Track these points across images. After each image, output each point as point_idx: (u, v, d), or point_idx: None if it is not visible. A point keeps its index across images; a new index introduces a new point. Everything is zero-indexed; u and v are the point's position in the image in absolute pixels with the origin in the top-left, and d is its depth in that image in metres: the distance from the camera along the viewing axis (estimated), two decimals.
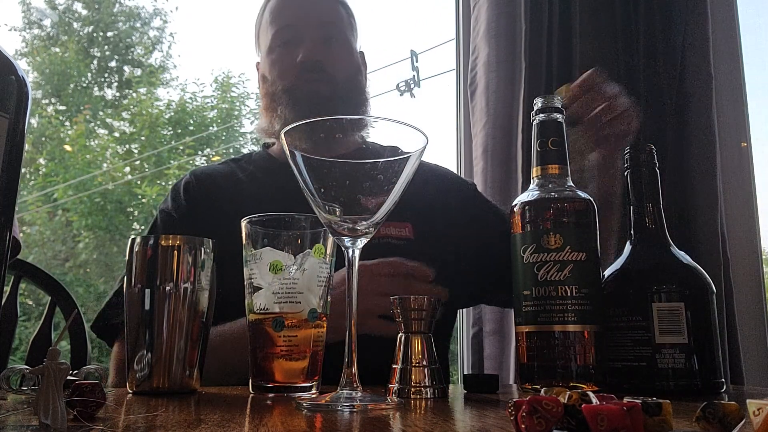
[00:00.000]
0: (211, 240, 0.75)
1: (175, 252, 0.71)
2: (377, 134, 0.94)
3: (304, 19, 1.19)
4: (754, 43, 1.78)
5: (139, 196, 5.37)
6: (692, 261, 0.76)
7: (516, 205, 0.75)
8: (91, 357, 1.32)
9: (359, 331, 0.60)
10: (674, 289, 0.72)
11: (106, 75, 6.52)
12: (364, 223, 0.59)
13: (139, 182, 5.54)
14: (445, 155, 1.94)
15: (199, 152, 6.05)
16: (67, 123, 5.94)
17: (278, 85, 1.18)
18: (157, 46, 6.71)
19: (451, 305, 1.17)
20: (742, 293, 1.58)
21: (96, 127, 6.00)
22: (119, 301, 1.03)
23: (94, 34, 6.48)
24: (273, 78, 1.19)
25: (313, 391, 0.71)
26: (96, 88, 6.44)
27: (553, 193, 0.72)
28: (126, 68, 6.57)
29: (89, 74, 6.37)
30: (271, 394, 0.69)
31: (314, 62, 1.15)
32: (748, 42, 1.75)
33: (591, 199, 0.73)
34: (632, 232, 0.79)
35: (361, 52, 1.31)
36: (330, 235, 0.65)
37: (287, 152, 0.59)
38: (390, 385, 0.69)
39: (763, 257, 1.67)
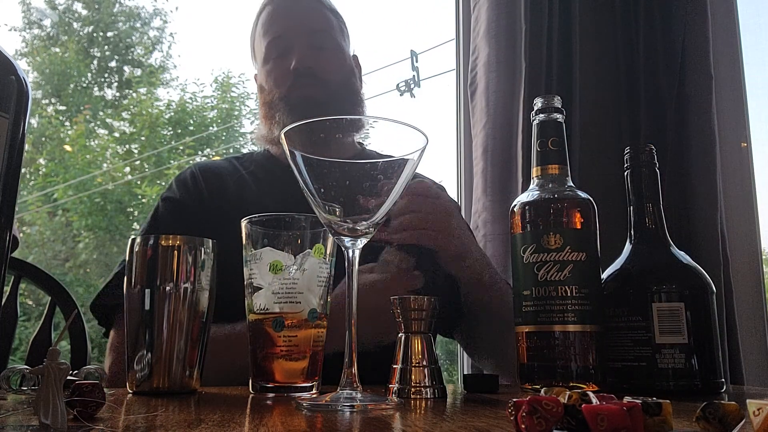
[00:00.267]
0: (211, 240, 0.75)
1: (175, 252, 0.71)
2: (377, 138, 0.95)
3: (295, 28, 1.23)
4: (754, 43, 1.78)
5: (139, 196, 5.37)
6: (692, 261, 0.76)
7: (516, 205, 0.75)
8: (91, 357, 1.32)
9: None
10: (674, 289, 0.72)
11: (106, 75, 6.52)
12: (364, 223, 0.59)
13: (139, 182, 5.54)
14: (445, 155, 1.94)
15: (199, 152, 6.04)
16: (67, 123, 5.94)
17: (275, 94, 1.21)
18: (157, 46, 6.71)
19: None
20: (742, 293, 1.58)
21: (96, 127, 6.00)
22: (119, 284, 1.04)
23: (94, 34, 6.48)
24: (269, 87, 1.23)
25: (313, 391, 0.71)
26: (96, 88, 6.44)
27: (553, 194, 0.72)
28: (126, 68, 6.57)
29: (89, 74, 6.37)
30: (271, 394, 0.69)
31: (306, 69, 1.18)
32: (748, 42, 1.75)
33: (591, 199, 0.74)
34: (632, 232, 0.79)
35: (355, 56, 1.33)
36: (330, 235, 0.65)
37: (287, 153, 0.59)
38: (390, 385, 0.69)
39: (763, 257, 1.67)
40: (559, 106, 0.76)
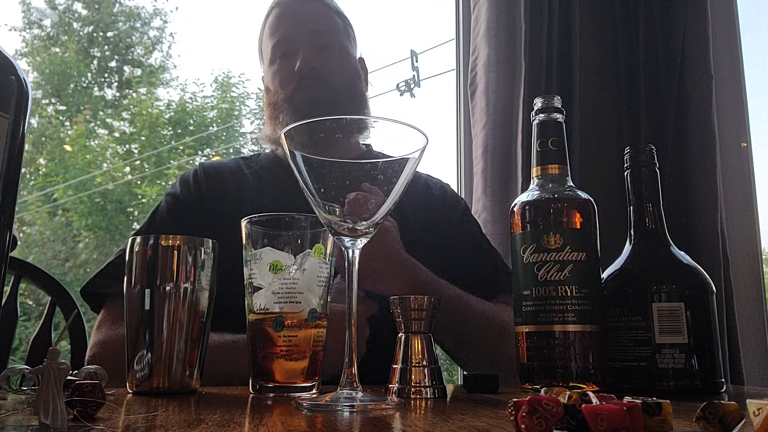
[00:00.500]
0: (211, 240, 0.75)
1: (175, 252, 0.71)
2: (377, 138, 0.95)
3: (300, 30, 1.24)
4: (754, 43, 1.78)
5: (139, 196, 5.37)
6: (692, 261, 0.76)
7: (516, 205, 0.75)
8: None
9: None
10: (674, 289, 0.72)
11: (106, 75, 6.52)
12: (364, 223, 0.59)
13: (139, 182, 5.54)
14: (445, 155, 1.94)
15: (199, 152, 6.04)
16: (67, 123, 5.94)
17: (280, 95, 1.23)
18: (157, 46, 6.70)
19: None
20: (742, 293, 1.58)
21: (96, 127, 6.00)
22: (112, 273, 1.07)
23: (94, 34, 6.47)
24: (275, 88, 1.25)
25: (313, 391, 0.71)
26: (96, 88, 6.43)
27: (553, 193, 0.72)
28: (126, 68, 6.57)
29: (89, 74, 6.37)
30: (271, 394, 0.69)
31: (310, 69, 1.20)
32: (748, 42, 1.75)
33: (591, 199, 0.73)
34: (632, 232, 0.79)
35: (361, 58, 1.34)
36: (330, 235, 0.65)
37: (287, 153, 0.59)
38: (390, 385, 0.69)
39: (763, 257, 1.67)
40: (559, 106, 0.76)
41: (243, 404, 0.59)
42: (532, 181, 0.77)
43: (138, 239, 0.73)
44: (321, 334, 0.73)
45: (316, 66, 1.20)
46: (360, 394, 0.57)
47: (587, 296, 0.69)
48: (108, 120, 6.15)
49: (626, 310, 0.73)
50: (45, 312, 1.32)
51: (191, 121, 6.14)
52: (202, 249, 0.73)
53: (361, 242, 0.61)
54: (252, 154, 1.37)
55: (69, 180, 5.28)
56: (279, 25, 1.26)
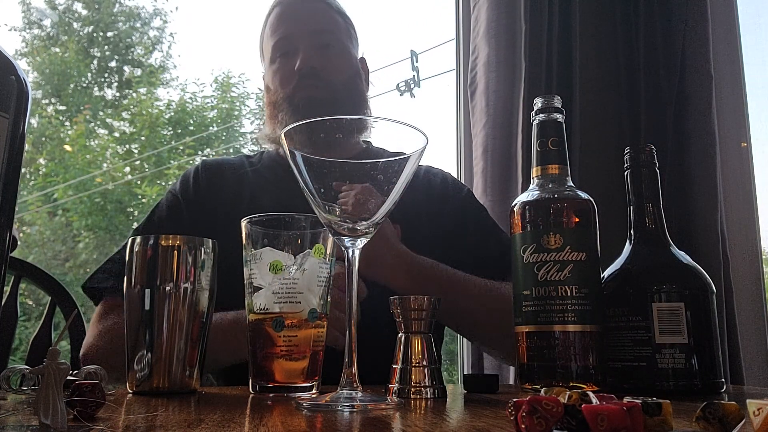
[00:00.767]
0: (211, 240, 0.75)
1: (175, 252, 0.71)
2: (382, 137, 0.95)
3: (301, 29, 1.24)
4: (754, 43, 1.78)
5: (139, 196, 5.36)
6: (692, 261, 0.76)
7: (516, 205, 0.75)
8: None
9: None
10: (674, 289, 0.72)
11: (106, 75, 6.51)
12: (364, 223, 0.59)
13: (139, 182, 5.53)
14: (445, 155, 1.94)
15: (199, 152, 6.04)
16: (67, 123, 5.94)
17: (280, 94, 1.23)
18: (157, 46, 6.70)
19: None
20: (742, 293, 1.58)
21: (96, 127, 6.00)
22: (111, 268, 1.09)
23: (94, 34, 6.47)
24: (275, 87, 1.25)
25: (313, 391, 0.71)
26: (96, 88, 6.43)
27: (553, 193, 0.72)
28: (126, 68, 6.57)
29: (89, 74, 6.37)
30: (271, 394, 0.69)
31: (310, 69, 1.20)
32: (748, 42, 1.75)
33: (591, 199, 0.73)
34: (632, 232, 0.79)
35: (362, 59, 1.34)
36: (330, 235, 0.65)
37: (287, 152, 0.59)
38: (390, 385, 0.69)
39: (763, 257, 1.67)
40: (559, 106, 0.76)
41: (243, 404, 0.59)
42: (532, 181, 0.77)
43: (138, 239, 0.73)
44: (321, 334, 0.73)
45: (317, 65, 1.20)
46: (360, 394, 0.57)
47: (587, 296, 0.69)
48: (108, 120, 6.15)
49: (626, 310, 0.73)
50: (45, 312, 1.32)
51: (191, 121, 6.14)
52: (202, 249, 0.73)
53: (361, 242, 0.61)
54: (257, 152, 1.38)
55: (69, 180, 5.28)
56: (280, 24, 1.26)
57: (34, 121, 5.67)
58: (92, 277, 1.12)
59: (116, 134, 6.02)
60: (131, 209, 5.40)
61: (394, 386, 0.68)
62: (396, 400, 0.60)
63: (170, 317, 0.70)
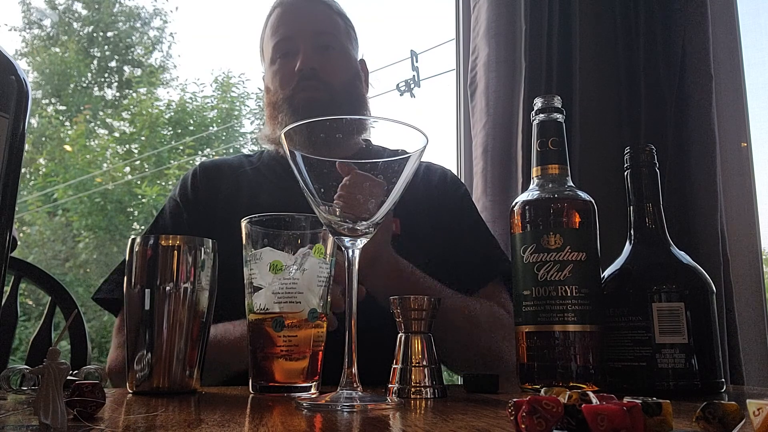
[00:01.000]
0: (211, 240, 0.75)
1: (175, 252, 0.71)
2: (382, 136, 0.95)
3: (301, 30, 1.24)
4: (754, 43, 1.78)
5: (139, 196, 5.37)
6: (692, 261, 0.76)
7: (516, 205, 0.75)
8: (91, 357, 1.32)
9: None
10: (674, 289, 0.72)
11: (106, 75, 6.52)
12: (364, 223, 0.59)
13: (139, 182, 5.54)
14: (445, 155, 1.94)
15: (199, 152, 6.04)
16: (67, 123, 5.94)
17: (279, 95, 1.23)
18: (157, 46, 6.71)
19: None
20: (742, 293, 1.58)
21: (96, 127, 6.00)
22: (119, 279, 1.08)
23: (94, 34, 6.48)
24: (275, 88, 1.25)
25: (313, 391, 0.71)
26: (96, 88, 6.44)
27: (553, 193, 0.72)
28: (126, 68, 6.57)
29: (89, 74, 6.37)
30: (271, 394, 0.69)
31: (310, 70, 1.20)
32: (748, 42, 1.75)
33: (591, 199, 0.73)
34: (632, 232, 0.79)
35: (362, 61, 1.34)
36: (330, 235, 0.65)
37: (287, 153, 0.59)
38: (390, 385, 0.69)
39: (763, 257, 1.67)
40: (559, 106, 0.76)
41: (243, 404, 0.59)
42: (532, 181, 0.76)
43: (138, 239, 0.73)
44: (321, 334, 0.73)
45: (317, 67, 1.20)
46: (360, 394, 0.57)
47: (587, 296, 0.69)
48: (108, 120, 6.16)
49: (626, 310, 0.73)
50: (45, 312, 1.32)
51: (191, 121, 6.14)
52: (202, 249, 0.73)
53: (361, 242, 0.61)
54: (256, 152, 1.38)
55: (69, 180, 5.28)
56: (280, 25, 1.26)
57: (34, 121, 5.67)
58: (101, 287, 1.13)
59: (116, 134, 6.02)
60: (131, 209, 5.41)
61: (394, 386, 0.68)
62: (396, 400, 0.60)
63: (170, 317, 0.70)
